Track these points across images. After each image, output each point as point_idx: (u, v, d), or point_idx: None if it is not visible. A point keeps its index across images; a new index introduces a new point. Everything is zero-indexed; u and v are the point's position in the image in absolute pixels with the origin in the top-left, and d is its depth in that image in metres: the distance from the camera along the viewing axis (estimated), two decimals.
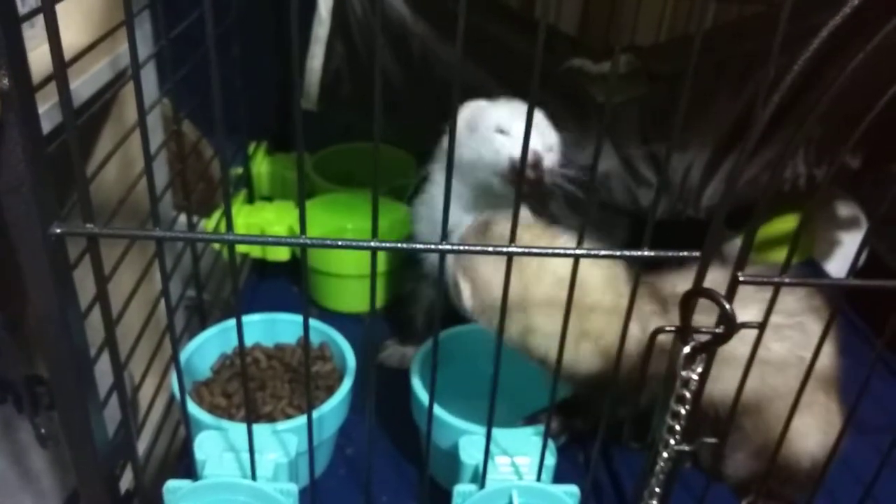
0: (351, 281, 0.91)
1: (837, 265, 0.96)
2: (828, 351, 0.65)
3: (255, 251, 0.94)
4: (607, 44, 1.03)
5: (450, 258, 0.60)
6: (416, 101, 0.77)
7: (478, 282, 0.59)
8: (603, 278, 0.58)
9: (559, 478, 0.63)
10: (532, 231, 0.59)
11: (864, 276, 0.55)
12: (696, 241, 0.48)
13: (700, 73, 0.81)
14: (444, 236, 0.48)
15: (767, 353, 0.61)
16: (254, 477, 0.58)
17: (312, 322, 0.77)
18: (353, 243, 0.48)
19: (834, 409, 0.66)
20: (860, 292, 0.54)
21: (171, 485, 0.58)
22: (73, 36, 0.85)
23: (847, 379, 0.66)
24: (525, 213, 0.66)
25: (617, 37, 1.11)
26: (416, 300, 0.84)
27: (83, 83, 0.80)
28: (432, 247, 0.48)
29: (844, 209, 0.97)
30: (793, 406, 0.54)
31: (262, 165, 1.03)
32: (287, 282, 1.00)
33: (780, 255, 0.93)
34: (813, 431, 0.64)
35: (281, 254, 0.93)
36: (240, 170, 1.00)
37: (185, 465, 0.60)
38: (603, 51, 0.90)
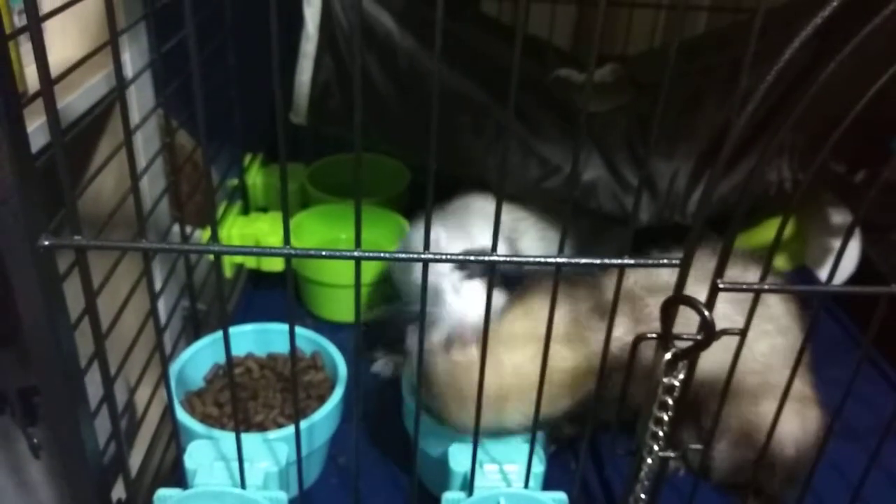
0: (344, 290, 0.92)
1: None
2: (795, 333, 0.66)
3: (250, 262, 0.95)
4: (599, 56, 1.04)
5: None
6: (407, 114, 0.78)
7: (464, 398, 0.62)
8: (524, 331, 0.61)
9: (551, 485, 0.63)
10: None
11: (857, 282, 0.55)
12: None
13: (687, 80, 0.82)
14: (427, 246, 0.48)
15: (730, 324, 0.61)
16: (243, 485, 0.58)
17: (305, 332, 0.77)
18: (338, 253, 0.49)
19: (808, 393, 0.66)
20: (854, 299, 0.54)
21: (162, 493, 0.59)
22: (70, 51, 0.86)
23: (837, 383, 0.67)
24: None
25: (610, 49, 1.12)
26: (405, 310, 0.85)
27: (79, 97, 0.81)
28: (415, 256, 0.48)
29: (837, 216, 0.97)
30: (780, 404, 0.55)
31: (257, 176, 1.04)
32: (282, 292, 1.00)
33: (777, 261, 0.94)
34: (789, 416, 0.64)
35: (275, 264, 0.94)
36: (235, 181, 1.01)
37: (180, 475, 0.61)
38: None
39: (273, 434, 0.64)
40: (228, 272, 0.95)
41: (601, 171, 0.78)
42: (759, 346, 0.63)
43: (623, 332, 0.59)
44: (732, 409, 0.65)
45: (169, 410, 0.57)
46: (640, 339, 0.50)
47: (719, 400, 0.55)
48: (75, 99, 0.80)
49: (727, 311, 0.60)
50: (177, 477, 0.61)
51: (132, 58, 0.90)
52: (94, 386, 0.55)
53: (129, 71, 0.87)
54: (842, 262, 0.52)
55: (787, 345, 0.65)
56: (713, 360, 0.53)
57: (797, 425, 0.64)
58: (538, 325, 0.56)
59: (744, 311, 0.60)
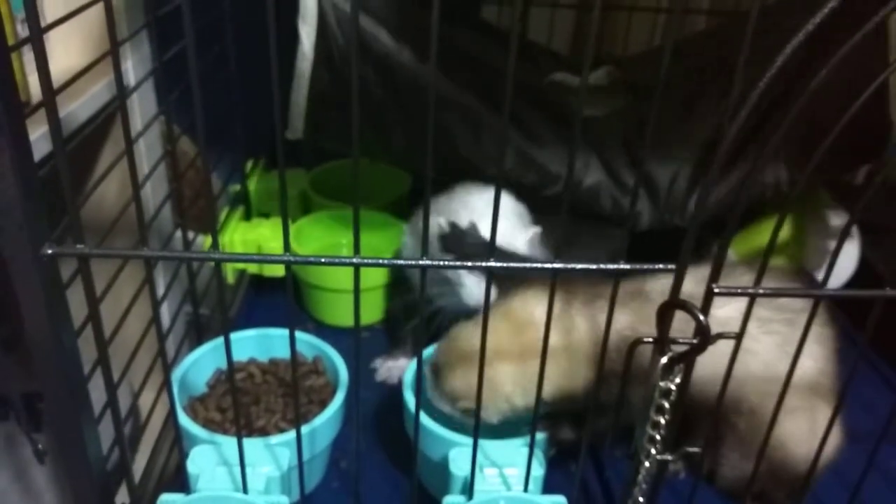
0: (346, 295, 0.92)
1: None
2: (823, 355, 0.65)
3: (252, 267, 0.96)
4: (596, 59, 1.04)
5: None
6: (405, 125, 0.79)
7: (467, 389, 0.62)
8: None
9: (551, 488, 0.64)
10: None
11: (858, 285, 0.55)
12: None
13: (684, 81, 0.82)
14: (425, 252, 0.49)
15: (756, 343, 0.62)
16: (245, 490, 0.59)
17: (306, 337, 0.78)
18: (337, 260, 0.49)
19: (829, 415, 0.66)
20: (852, 300, 0.54)
21: (165, 498, 0.59)
22: (72, 59, 0.87)
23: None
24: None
25: (609, 53, 1.13)
26: (407, 314, 0.86)
27: (81, 105, 0.81)
28: (413, 263, 0.49)
29: (836, 218, 0.97)
30: (776, 406, 0.55)
31: (259, 182, 1.05)
32: (284, 297, 1.00)
33: (776, 262, 0.94)
34: (808, 436, 0.64)
35: (277, 270, 0.94)
36: (237, 186, 1.02)
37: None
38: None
39: (275, 439, 0.65)
40: (231, 277, 0.95)
41: (602, 175, 0.78)
42: (781, 365, 0.63)
43: (622, 327, 0.60)
44: (758, 426, 0.63)
45: (172, 416, 0.58)
46: (636, 343, 0.50)
47: (722, 404, 0.55)
48: (77, 107, 0.80)
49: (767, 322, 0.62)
50: (180, 482, 0.62)
51: (134, 66, 0.90)
52: (97, 392, 0.56)
53: (131, 79, 0.88)
54: (841, 264, 0.53)
55: (816, 371, 0.64)
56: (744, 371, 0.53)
57: (815, 447, 0.64)
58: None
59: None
